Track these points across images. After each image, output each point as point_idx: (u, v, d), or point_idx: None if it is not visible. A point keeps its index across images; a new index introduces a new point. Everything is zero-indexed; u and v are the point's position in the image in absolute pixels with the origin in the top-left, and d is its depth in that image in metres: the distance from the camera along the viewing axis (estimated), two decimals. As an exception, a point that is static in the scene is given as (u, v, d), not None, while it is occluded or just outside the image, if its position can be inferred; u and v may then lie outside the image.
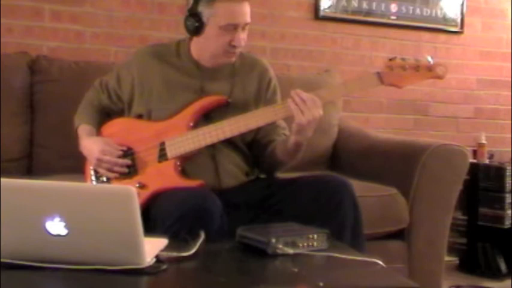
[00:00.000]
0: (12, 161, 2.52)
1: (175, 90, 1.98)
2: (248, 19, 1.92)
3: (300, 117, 1.80)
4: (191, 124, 1.94)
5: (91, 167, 2.01)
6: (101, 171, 1.98)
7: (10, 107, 2.55)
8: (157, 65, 2.02)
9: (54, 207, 1.25)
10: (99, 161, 1.95)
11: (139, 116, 2.03)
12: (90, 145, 1.99)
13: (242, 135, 1.97)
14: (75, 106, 2.20)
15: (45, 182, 1.34)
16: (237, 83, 2.02)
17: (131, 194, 1.24)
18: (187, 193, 1.78)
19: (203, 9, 1.91)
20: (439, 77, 1.84)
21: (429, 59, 1.83)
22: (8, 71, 2.57)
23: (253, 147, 2.06)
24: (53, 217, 1.25)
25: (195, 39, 2.00)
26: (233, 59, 1.99)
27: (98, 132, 2.06)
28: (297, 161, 1.99)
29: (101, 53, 3.01)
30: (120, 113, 2.10)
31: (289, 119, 1.93)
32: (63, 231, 1.25)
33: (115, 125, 2.06)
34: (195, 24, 1.92)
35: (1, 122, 2.50)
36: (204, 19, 1.91)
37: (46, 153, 2.57)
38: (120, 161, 1.95)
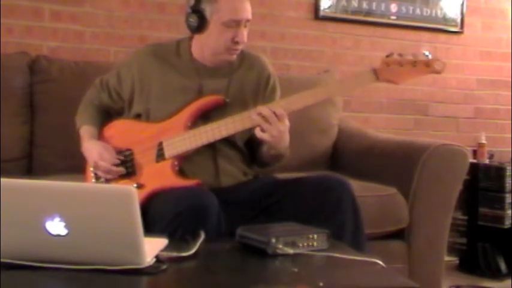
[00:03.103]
0: (12, 161, 2.52)
1: (174, 90, 1.99)
2: (250, 16, 1.93)
3: (260, 134, 1.83)
4: (189, 124, 1.94)
5: (91, 169, 2.04)
6: (99, 173, 2.01)
7: (10, 107, 2.55)
8: (157, 65, 2.02)
9: (54, 207, 1.25)
10: (96, 164, 1.99)
11: (138, 116, 2.04)
12: (90, 148, 2.02)
13: (240, 134, 1.98)
14: (75, 106, 2.21)
15: (45, 182, 1.35)
16: (234, 81, 2.02)
17: (131, 194, 1.25)
18: (184, 192, 1.80)
19: (206, 6, 1.91)
20: (437, 72, 1.83)
21: (426, 53, 1.83)
22: (8, 71, 2.57)
23: (249, 145, 2.08)
24: (53, 217, 1.25)
25: (197, 37, 2.00)
26: (234, 57, 1.99)
27: (99, 132, 2.08)
28: (282, 162, 2.04)
29: (100, 53, 3.01)
30: (120, 112, 2.11)
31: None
32: (63, 231, 1.25)
33: (114, 127, 2.08)
34: (198, 21, 1.92)
35: (1, 122, 2.49)
36: (207, 16, 1.91)
37: (46, 153, 2.57)
38: (115, 169, 1.97)
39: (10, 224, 1.26)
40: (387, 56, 1.86)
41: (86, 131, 2.08)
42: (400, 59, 1.83)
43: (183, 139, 1.92)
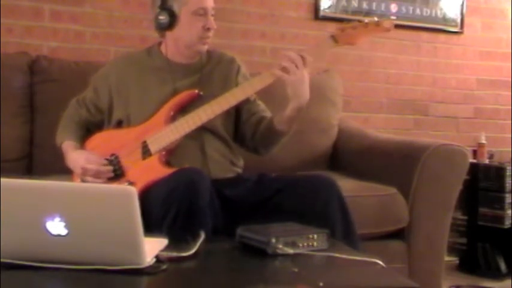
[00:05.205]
0: (12, 161, 2.52)
1: (150, 92, 2.06)
2: (213, 3, 2.06)
3: (286, 77, 1.91)
4: (168, 121, 2.00)
5: (78, 180, 2.06)
6: (88, 179, 2.02)
7: (10, 107, 2.55)
8: (132, 70, 2.12)
9: (54, 207, 1.25)
10: (84, 169, 2.01)
11: (120, 122, 2.11)
12: (75, 158, 2.06)
13: (223, 124, 2.07)
14: (75, 106, 2.22)
15: (45, 182, 1.34)
16: (205, 76, 2.11)
17: (131, 194, 1.25)
18: (174, 173, 1.84)
19: (173, 2, 2.02)
20: (387, 30, 1.98)
21: (376, 18, 2.01)
22: (8, 71, 2.57)
23: (244, 130, 2.13)
24: (53, 217, 1.25)
25: (168, 35, 2.08)
26: (206, 47, 2.08)
27: (81, 148, 2.12)
28: (293, 130, 2.05)
29: (101, 53, 3.02)
30: (100, 126, 2.16)
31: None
32: (63, 231, 1.26)
33: (97, 138, 2.13)
34: (169, 18, 2.02)
35: (1, 122, 2.49)
36: (176, 10, 2.02)
37: (46, 153, 2.56)
38: (104, 168, 2.00)
39: (10, 224, 1.26)
40: (341, 24, 2.02)
41: (68, 146, 2.12)
42: (352, 24, 1.99)
43: (166, 133, 1.98)
